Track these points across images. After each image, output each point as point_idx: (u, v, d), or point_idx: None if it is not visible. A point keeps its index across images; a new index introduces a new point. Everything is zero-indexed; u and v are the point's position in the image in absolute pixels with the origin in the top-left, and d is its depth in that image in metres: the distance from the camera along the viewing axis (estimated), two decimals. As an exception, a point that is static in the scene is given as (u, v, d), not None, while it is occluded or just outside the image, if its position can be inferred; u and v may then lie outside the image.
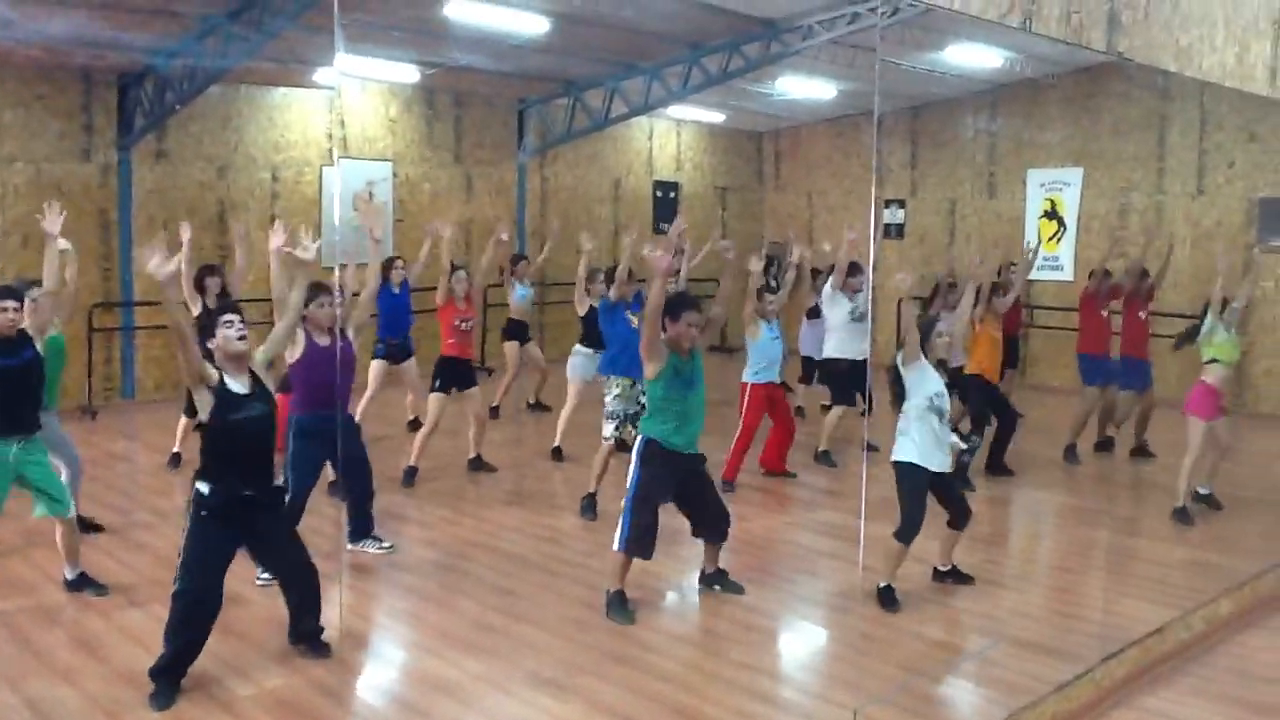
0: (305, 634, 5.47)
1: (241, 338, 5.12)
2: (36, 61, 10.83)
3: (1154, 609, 6.20)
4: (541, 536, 7.59)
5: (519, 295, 11.48)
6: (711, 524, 6.40)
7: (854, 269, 9.56)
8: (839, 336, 9.62)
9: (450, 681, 5.26)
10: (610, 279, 8.45)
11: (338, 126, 13.46)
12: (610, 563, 6.20)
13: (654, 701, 5.05)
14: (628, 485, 6.15)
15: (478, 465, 9.20)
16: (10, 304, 5.90)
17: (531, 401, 12.01)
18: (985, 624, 6.19)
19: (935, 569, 6.69)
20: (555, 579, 6.73)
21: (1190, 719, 5.11)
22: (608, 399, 8.12)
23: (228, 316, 5.15)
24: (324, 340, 6.65)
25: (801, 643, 6.22)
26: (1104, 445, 10.23)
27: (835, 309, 9.59)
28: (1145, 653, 5.60)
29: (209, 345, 5.20)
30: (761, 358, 8.75)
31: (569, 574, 6.83)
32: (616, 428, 8.01)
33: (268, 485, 5.23)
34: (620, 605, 6.10)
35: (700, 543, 6.55)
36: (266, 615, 6.05)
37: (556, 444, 9.69)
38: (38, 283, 6.32)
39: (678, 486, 6.20)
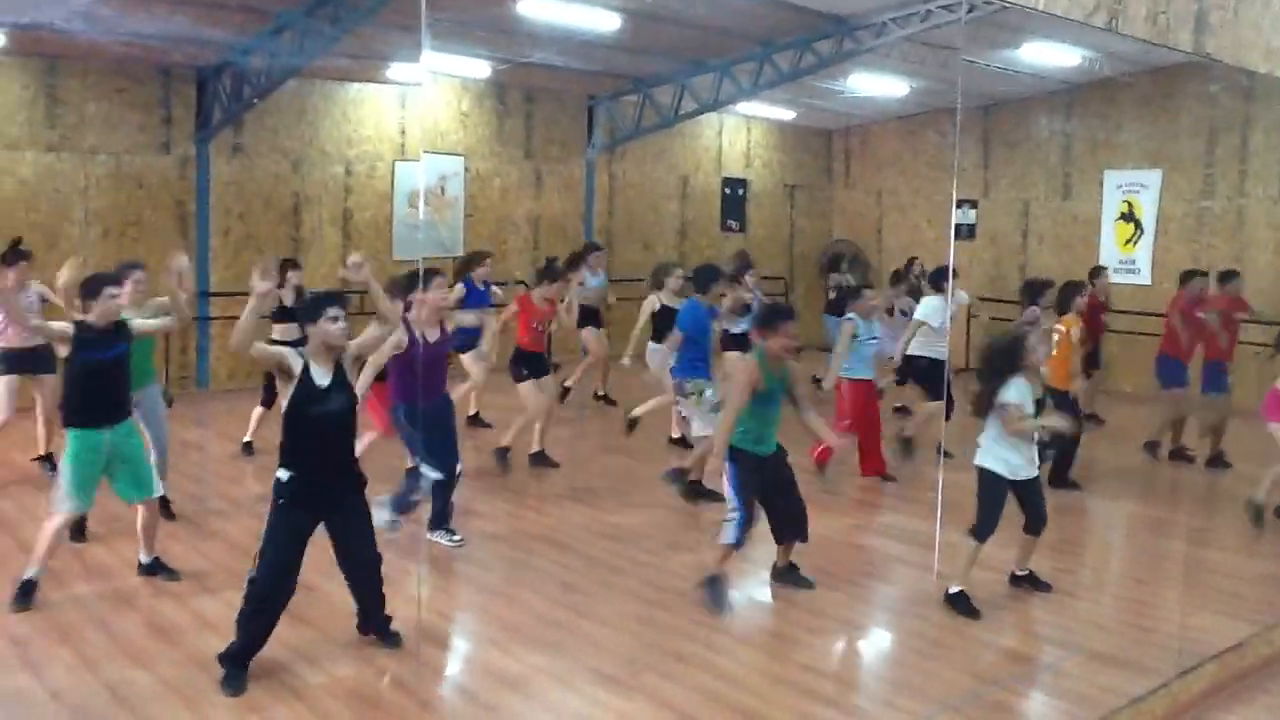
0: (374, 625, 5.52)
1: (342, 331, 5.18)
2: (117, 56, 11.07)
3: (1229, 623, 6.05)
4: (604, 533, 7.59)
5: (594, 284, 11.54)
6: (793, 523, 6.40)
7: (945, 274, 9.69)
8: (930, 336, 9.65)
9: (515, 675, 5.28)
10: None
11: (411, 121, 13.58)
12: (717, 553, 6.28)
13: (717, 702, 5.03)
14: (729, 485, 6.20)
15: (539, 460, 9.23)
16: (117, 290, 6.16)
17: (600, 394, 12.01)
18: (1058, 634, 6.08)
19: (1012, 573, 6.59)
20: (619, 575, 6.74)
21: (1270, 738, 4.99)
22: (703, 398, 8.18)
23: (333, 310, 5.17)
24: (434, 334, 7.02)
25: (869, 647, 6.16)
26: (1179, 454, 10.01)
27: (935, 312, 9.66)
28: (1223, 668, 5.47)
29: (307, 331, 5.28)
30: (858, 356, 8.85)
31: (632, 571, 6.83)
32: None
33: (347, 474, 5.30)
34: (722, 593, 6.20)
35: (771, 542, 6.53)
36: (337, 604, 6.12)
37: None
38: (138, 264, 6.89)
39: (764, 486, 6.23)
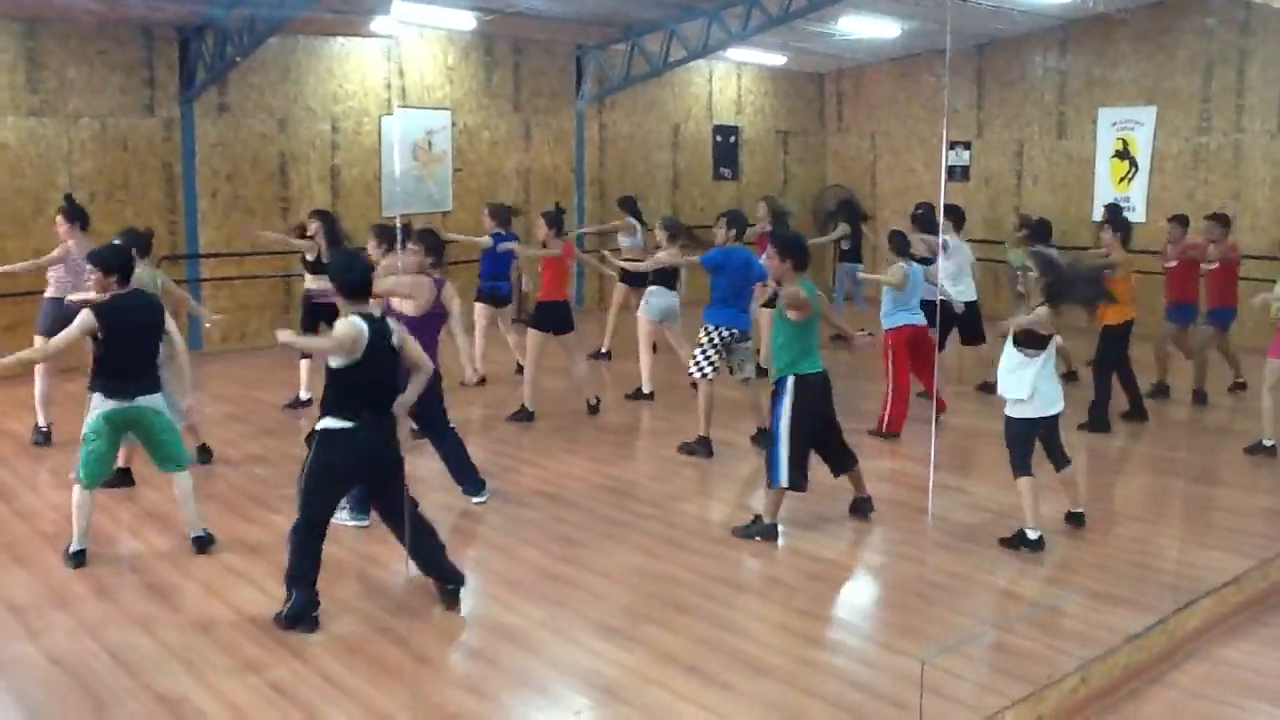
0: (435, 573, 5.55)
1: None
2: (97, 16, 10.89)
3: (1232, 559, 6.06)
4: (604, 485, 7.59)
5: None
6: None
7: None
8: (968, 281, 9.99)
9: (515, 629, 5.30)
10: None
11: (396, 75, 13.42)
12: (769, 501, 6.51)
13: (718, 651, 5.05)
14: (779, 422, 6.42)
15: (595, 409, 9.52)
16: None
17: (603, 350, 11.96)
18: (1057, 574, 6.10)
19: (1069, 512, 6.68)
20: (618, 528, 6.74)
21: (1266, 670, 5.00)
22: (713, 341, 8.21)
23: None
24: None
25: (868, 592, 6.18)
26: (1161, 391, 10.05)
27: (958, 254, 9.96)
28: (1220, 603, 5.48)
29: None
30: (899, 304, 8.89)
31: (632, 523, 6.83)
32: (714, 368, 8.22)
33: (389, 421, 5.34)
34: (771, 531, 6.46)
35: (759, 488, 6.58)
36: (331, 560, 6.13)
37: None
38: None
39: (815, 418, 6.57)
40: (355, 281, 5.30)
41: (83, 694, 4.64)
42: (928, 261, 9.40)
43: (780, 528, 6.53)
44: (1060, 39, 14.70)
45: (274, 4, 10.48)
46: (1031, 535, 6.27)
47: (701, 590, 5.78)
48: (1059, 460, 6.54)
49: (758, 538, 6.45)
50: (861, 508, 6.85)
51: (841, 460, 6.83)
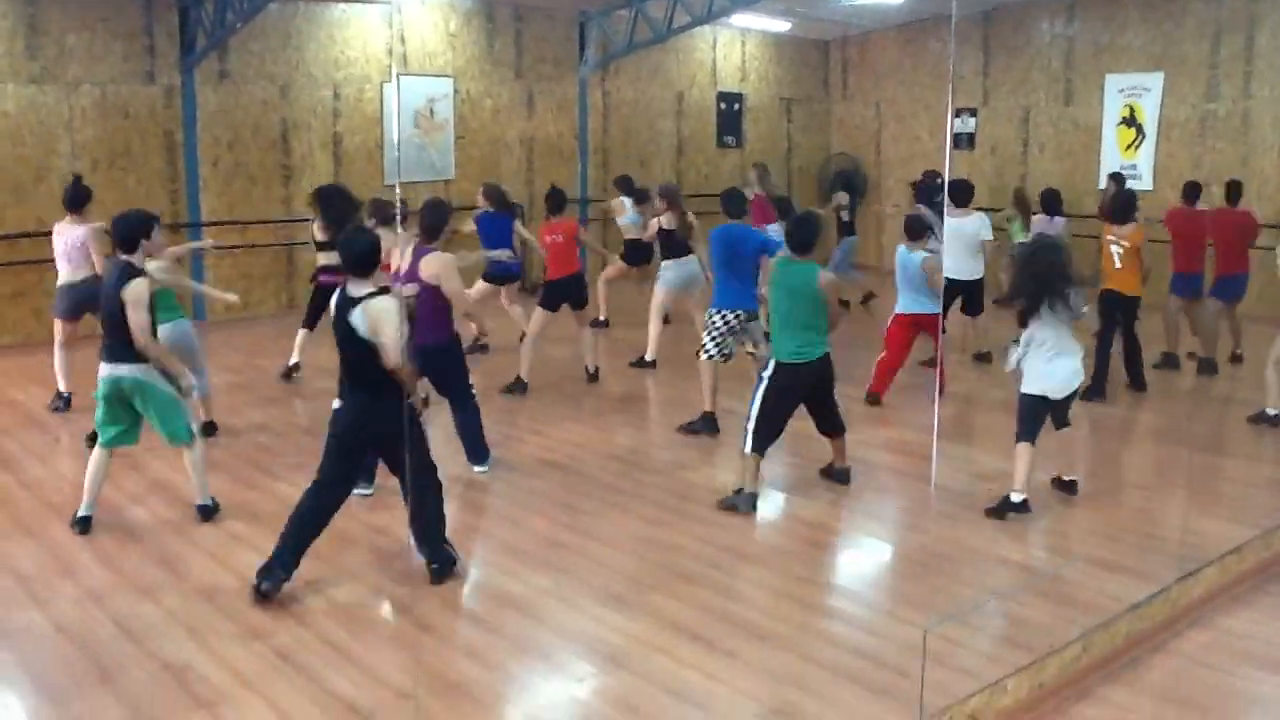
0: (425, 549, 5.50)
1: None
2: (98, -18, 10.83)
3: (1235, 528, 6.06)
4: (608, 454, 7.59)
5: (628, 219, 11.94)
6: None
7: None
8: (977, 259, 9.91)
9: (519, 597, 5.31)
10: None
11: (398, 42, 13.32)
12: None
13: (722, 619, 5.06)
14: (754, 397, 6.46)
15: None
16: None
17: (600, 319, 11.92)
18: (1060, 543, 6.10)
19: (1057, 477, 6.70)
20: (622, 496, 6.74)
21: (1269, 639, 5.01)
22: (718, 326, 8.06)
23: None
24: None
25: (871, 560, 6.18)
26: (1170, 362, 10.01)
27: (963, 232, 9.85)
28: (1223, 572, 5.48)
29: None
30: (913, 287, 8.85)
31: (636, 491, 6.84)
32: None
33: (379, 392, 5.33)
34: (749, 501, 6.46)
35: (772, 459, 6.59)
36: (336, 529, 6.14)
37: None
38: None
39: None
40: (358, 256, 5.28)
41: (88, 661, 4.66)
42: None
43: (784, 496, 6.53)
44: (1068, 4, 14.57)
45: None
46: (1016, 498, 6.26)
47: (706, 558, 5.79)
48: (1059, 420, 6.52)
49: (739, 508, 6.41)
50: (838, 475, 6.87)
51: (829, 426, 6.81)
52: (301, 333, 9.41)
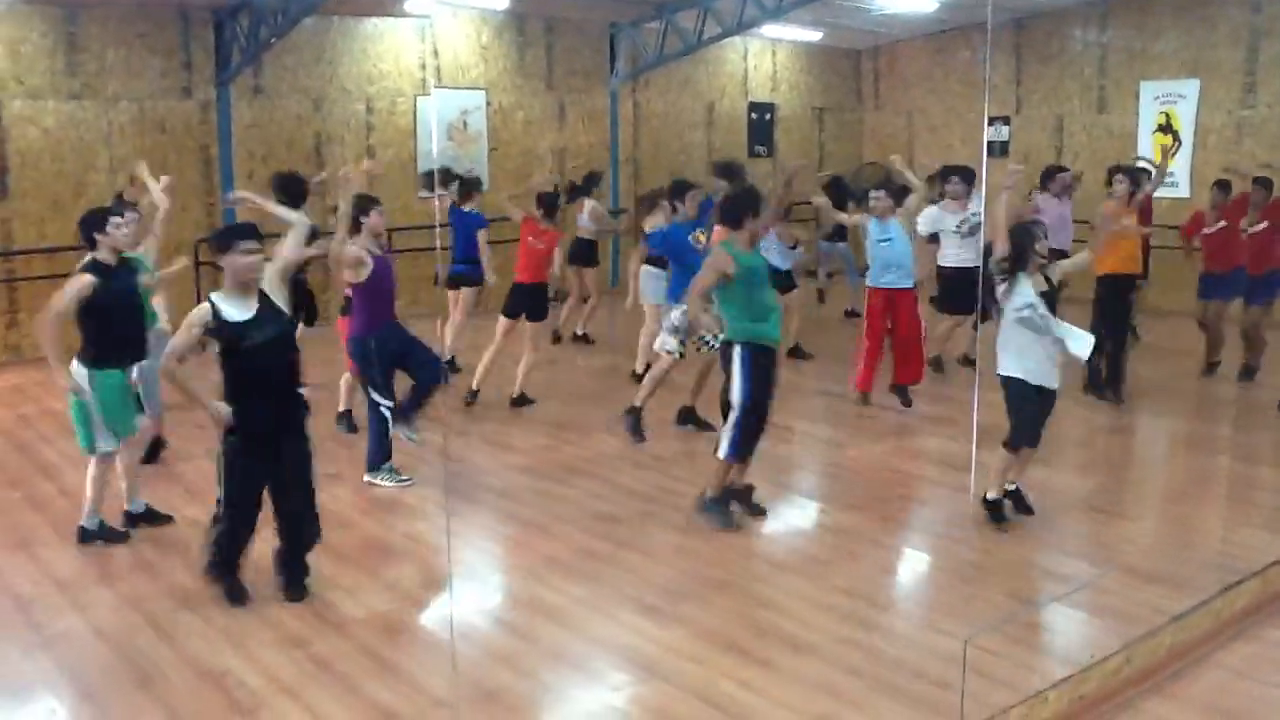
0: (290, 575, 5.40)
1: (254, 264, 5.12)
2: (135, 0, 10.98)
3: (1272, 538, 5.98)
4: (639, 463, 7.59)
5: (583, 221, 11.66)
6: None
7: (946, 177, 9.59)
8: (952, 247, 9.57)
9: (554, 606, 5.30)
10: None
11: (431, 56, 13.42)
12: (716, 471, 6.28)
13: (759, 629, 5.04)
14: (738, 395, 6.15)
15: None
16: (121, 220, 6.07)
17: (580, 333, 11.69)
18: (1099, 552, 6.03)
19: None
20: (655, 505, 6.73)
21: (1316, 651, 4.93)
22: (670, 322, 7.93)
23: (246, 243, 5.12)
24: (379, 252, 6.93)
25: (908, 570, 6.14)
26: (1212, 370, 9.88)
27: (940, 224, 9.55)
28: (1266, 584, 5.40)
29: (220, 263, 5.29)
30: (875, 261, 8.64)
31: (668, 500, 6.82)
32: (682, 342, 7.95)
33: (291, 405, 5.26)
34: (725, 510, 6.21)
35: (807, 468, 6.51)
36: (373, 538, 6.19)
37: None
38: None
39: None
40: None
41: (127, 666, 4.70)
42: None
43: (818, 506, 6.49)
44: (1101, 12, 14.47)
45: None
46: (990, 496, 6.20)
47: (740, 568, 5.77)
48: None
49: (708, 515, 6.23)
50: (740, 497, 6.44)
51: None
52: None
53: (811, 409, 9.01)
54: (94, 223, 5.99)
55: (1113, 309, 8.58)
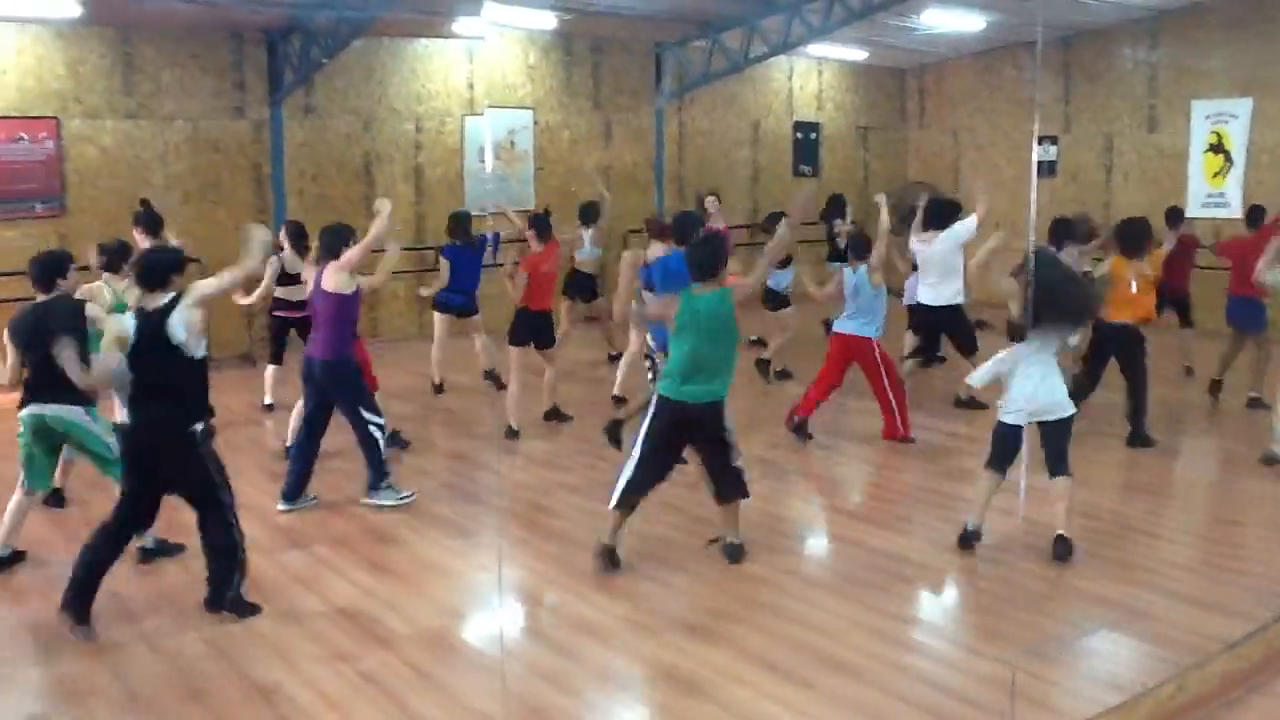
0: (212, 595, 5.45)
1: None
2: (189, 20, 11.18)
3: (1331, 566, 5.88)
4: (683, 482, 7.56)
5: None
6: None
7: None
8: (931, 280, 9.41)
9: (598, 625, 5.33)
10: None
11: (480, 76, 13.55)
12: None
13: (802, 650, 5.03)
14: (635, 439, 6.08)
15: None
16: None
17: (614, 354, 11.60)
18: (1144, 577, 5.95)
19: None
20: (700, 525, 6.72)
21: (1373, 681, 4.84)
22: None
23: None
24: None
25: (952, 593, 6.09)
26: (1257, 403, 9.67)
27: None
28: (1322, 611, 5.32)
29: None
30: (851, 309, 8.52)
31: (713, 520, 6.80)
32: None
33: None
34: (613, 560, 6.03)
35: (851, 489, 6.48)
36: (422, 555, 6.24)
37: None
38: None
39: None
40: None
41: (179, 678, 4.78)
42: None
43: (864, 528, 6.45)
44: (1150, 30, 14.33)
45: (358, 5, 10.66)
46: (969, 525, 6.19)
47: (783, 589, 5.77)
48: (1053, 467, 6.14)
49: (598, 562, 5.96)
50: (727, 551, 6.18)
51: (722, 487, 6.20)
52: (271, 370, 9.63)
53: (853, 428, 8.96)
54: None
55: (1130, 358, 8.30)
